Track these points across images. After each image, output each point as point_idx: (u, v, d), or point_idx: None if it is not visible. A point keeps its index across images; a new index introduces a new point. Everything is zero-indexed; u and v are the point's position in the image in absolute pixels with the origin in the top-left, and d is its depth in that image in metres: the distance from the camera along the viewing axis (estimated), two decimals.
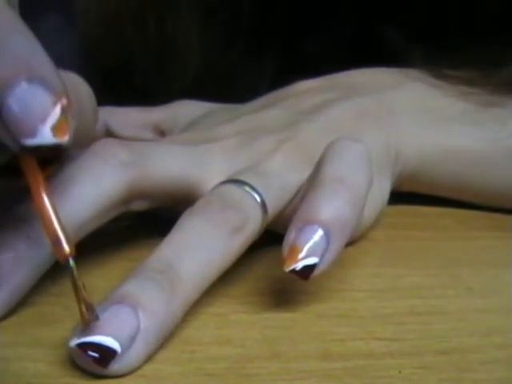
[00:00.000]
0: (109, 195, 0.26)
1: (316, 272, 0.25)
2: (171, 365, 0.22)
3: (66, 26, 0.40)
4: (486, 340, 0.25)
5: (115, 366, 0.21)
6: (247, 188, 0.27)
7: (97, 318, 0.21)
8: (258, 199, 0.27)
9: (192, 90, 0.38)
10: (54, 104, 0.20)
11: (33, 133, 0.20)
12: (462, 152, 0.34)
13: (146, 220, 0.31)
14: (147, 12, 0.38)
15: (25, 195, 0.23)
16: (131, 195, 0.27)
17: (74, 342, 0.21)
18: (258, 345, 0.24)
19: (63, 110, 0.20)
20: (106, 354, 0.21)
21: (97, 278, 0.27)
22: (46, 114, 0.20)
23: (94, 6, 0.39)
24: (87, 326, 0.21)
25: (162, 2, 0.37)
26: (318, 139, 0.30)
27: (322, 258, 0.25)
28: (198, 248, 0.24)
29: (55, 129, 0.20)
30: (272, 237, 0.28)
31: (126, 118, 0.37)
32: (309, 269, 0.25)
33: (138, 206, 0.28)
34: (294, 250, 0.25)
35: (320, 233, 0.25)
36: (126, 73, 0.40)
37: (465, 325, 0.26)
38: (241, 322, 0.25)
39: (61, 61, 0.22)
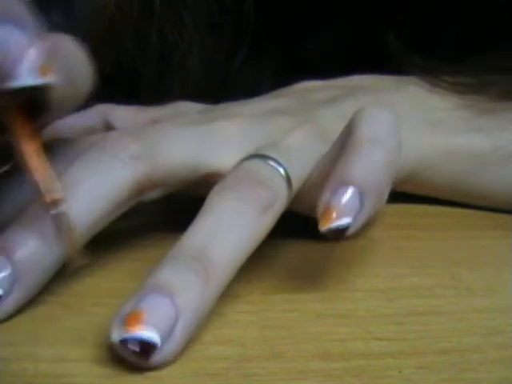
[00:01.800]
0: (121, 190, 0.26)
1: (349, 232, 0.25)
2: (171, 365, 0.22)
3: (66, 26, 0.40)
4: (486, 340, 0.25)
5: (156, 358, 0.22)
6: (273, 163, 0.27)
7: (88, 259, 0.21)
8: (284, 174, 0.27)
9: (191, 96, 0.38)
10: (31, 44, 0.20)
11: (11, 74, 0.20)
12: (460, 154, 0.34)
13: (148, 221, 0.31)
14: (147, 20, 0.37)
15: (36, 193, 0.23)
16: (143, 187, 0.27)
17: (116, 337, 0.21)
18: (258, 345, 0.24)
19: (43, 51, 0.20)
20: (148, 348, 0.21)
21: (100, 279, 0.27)
22: (22, 54, 0.20)
23: (91, 11, 0.38)
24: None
25: (162, 10, 0.37)
26: (332, 124, 0.30)
27: (355, 218, 0.25)
28: (231, 230, 0.24)
29: (35, 70, 0.20)
30: (272, 237, 0.28)
31: (127, 114, 0.37)
32: (342, 229, 0.25)
33: (152, 195, 0.28)
34: (329, 211, 0.25)
35: (355, 193, 0.25)
36: (126, 80, 0.39)
37: (465, 325, 0.26)
38: (241, 322, 0.25)
39: None
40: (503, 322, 0.26)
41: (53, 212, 0.21)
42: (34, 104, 0.21)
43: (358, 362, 0.23)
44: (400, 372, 0.22)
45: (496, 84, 0.35)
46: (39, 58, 0.20)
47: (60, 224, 0.21)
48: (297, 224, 0.29)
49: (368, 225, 0.33)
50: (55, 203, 0.21)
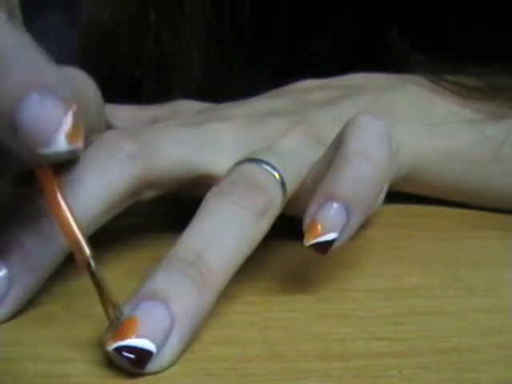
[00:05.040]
0: (117, 190, 0.26)
1: (334, 247, 0.25)
2: (171, 365, 0.22)
3: (68, 25, 0.40)
4: (486, 340, 0.25)
5: (151, 366, 0.21)
6: (268, 167, 0.27)
7: (122, 315, 0.21)
8: (279, 178, 0.27)
9: (190, 98, 0.38)
10: (66, 112, 0.20)
11: (48, 142, 0.20)
12: (459, 153, 0.34)
13: (146, 220, 0.31)
14: (143, 30, 0.37)
15: (33, 194, 0.24)
16: (140, 187, 0.27)
17: (111, 345, 0.21)
18: (258, 345, 0.24)
19: (74, 117, 0.21)
20: (143, 356, 0.21)
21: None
22: (59, 122, 0.20)
23: (87, 20, 0.39)
24: (114, 324, 0.21)
25: (158, 19, 0.37)
26: (327, 126, 0.30)
27: (340, 233, 0.25)
28: (226, 235, 0.24)
29: (69, 136, 0.20)
30: (271, 238, 0.28)
31: (127, 113, 0.37)
32: (327, 244, 0.25)
33: (148, 195, 0.28)
34: (315, 225, 0.25)
35: (341, 208, 0.25)
36: (125, 83, 0.40)
37: (465, 325, 0.26)
38: (241, 322, 0.25)
39: (61, 60, 0.22)
40: (503, 322, 0.26)
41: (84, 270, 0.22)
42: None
43: (358, 362, 0.23)
44: (400, 372, 0.22)
45: (505, 90, 0.35)
46: (71, 125, 0.21)
47: (93, 279, 0.22)
48: (295, 224, 0.29)
49: (366, 225, 0.33)
50: (85, 261, 0.22)
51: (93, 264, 0.22)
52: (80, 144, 0.21)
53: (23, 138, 0.20)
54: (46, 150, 0.20)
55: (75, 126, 0.21)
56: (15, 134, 0.20)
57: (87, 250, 0.22)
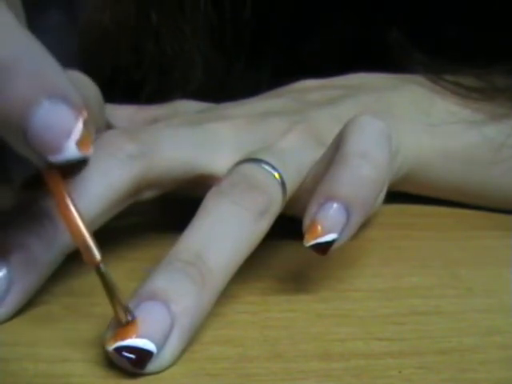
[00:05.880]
0: (117, 189, 0.26)
1: (334, 247, 0.25)
2: (171, 365, 0.22)
3: (68, 25, 0.40)
4: (486, 340, 0.25)
5: (151, 366, 0.22)
6: (268, 167, 0.27)
7: (133, 318, 0.21)
8: (279, 178, 0.27)
9: (191, 98, 0.38)
10: (77, 119, 0.20)
11: (59, 150, 0.20)
12: (459, 154, 0.34)
13: (147, 220, 0.31)
14: (144, 32, 0.37)
15: (36, 196, 0.24)
16: (140, 187, 0.27)
17: (111, 346, 0.21)
18: (258, 345, 0.24)
19: (85, 123, 0.21)
20: (143, 356, 0.21)
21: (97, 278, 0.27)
22: (70, 129, 0.20)
23: (87, 21, 0.39)
24: (123, 327, 0.21)
25: (160, 22, 0.37)
26: (327, 126, 0.30)
27: (340, 234, 0.25)
28: (226, 235, 0.24)
29: (79, 143, 0.21)
30: (271, 238, 0.28)
31: (126, 113, 0.37)
32: (327, 244, 0.25)
33: (148, 195, 0.28)
34: (315, 226, 0.25)
35: (341, 209, 0.25)
36: (124, 85, 0.40)
37: (465, 325, 0.26)
38: (241, 322, 0.25)
39: (61, 60, 0.22)
40: (503, 322, 0.26)
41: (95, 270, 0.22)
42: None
43: (358, 361, 0.23)
44: (400, 372, 0.22)
45: (505, 90, 0.35)
46: (82, 132, 0.21)
47: (103, 282, 0.22)
48: (295, 224, 0.29)
49: (366, 225, 0.33)
50: (95, 264, 0.22)
51: (102, 267, 0.22)
52: (90, 150, 0.21)
53: (34, 144, 0.20)
54: (56, 157, 0.20)
55: (86, 132, 0.21)
56: (26, 140, 0.20)
57: (97, 254, 0.22)
